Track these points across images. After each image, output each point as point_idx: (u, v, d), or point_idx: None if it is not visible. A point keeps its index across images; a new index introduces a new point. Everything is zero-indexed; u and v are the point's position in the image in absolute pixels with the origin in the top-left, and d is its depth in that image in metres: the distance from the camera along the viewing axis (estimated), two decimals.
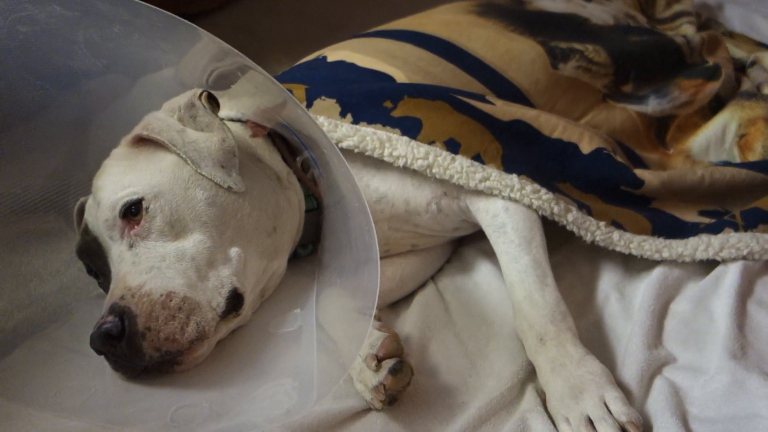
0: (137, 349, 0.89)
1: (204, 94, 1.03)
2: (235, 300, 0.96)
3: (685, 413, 0.92)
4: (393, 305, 1.18)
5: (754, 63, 1.62)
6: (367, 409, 0.95)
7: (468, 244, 1.28)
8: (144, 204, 0.95)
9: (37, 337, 1.05)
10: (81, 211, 1.06)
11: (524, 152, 1.17)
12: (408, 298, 1.19)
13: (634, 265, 1.18)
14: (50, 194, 1.16)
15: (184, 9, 2.07)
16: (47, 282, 1.12)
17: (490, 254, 1.19)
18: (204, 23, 0.86)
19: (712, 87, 1.47)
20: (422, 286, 1.21)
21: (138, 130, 1.02)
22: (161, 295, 0.90)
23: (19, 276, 1.10)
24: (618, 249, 1.14)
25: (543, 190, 1.12)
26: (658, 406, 0.93)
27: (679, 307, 1.09)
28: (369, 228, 0.85)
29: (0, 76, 1.01)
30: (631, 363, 0.99)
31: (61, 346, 1.03)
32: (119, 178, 0.99)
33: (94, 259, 1.01)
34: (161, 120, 1.02)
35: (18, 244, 1.12)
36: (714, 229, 1.17)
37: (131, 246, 0.95)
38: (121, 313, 0.89)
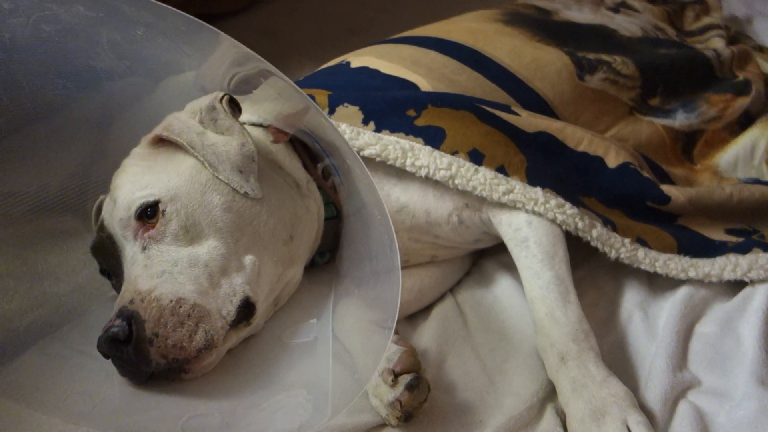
0: (144, 355, 0.87)
1: (225, 97, 1.02)
2: (246, 309, 0.94)
3: None
4: (410, 317, 1.16)
5: None
6: (382, 425, 0.93)
7: (488, 256, 1.25)
8: (161, 207, 0.94)
9: (49, 339, 1.04)
10: (99, 208, 1.05)
11: (549, 165, 1.15)
12: (426, 310, 1.17)
13: (658, 283, 1.15)
14: (68, 194, 1.15)
15: (205, 10, 2.07)
16: (62, 281, 1.12)
17: (510, 267, 1.17)
18: (225, 25, 0.85)
19: (742, 102, 1.45)
20: (441, 298, 1.19)
21: (158, 130, 1.01)
22: (171, 301, 0.89)
23: (35, 274, 1.10)
24: (643, 267, 1.11)
25: (567, 205, 1.09)
26: (682, 431, 0.90)
27: (705, 328, 1.06)
28: (391, 241, 0.83)
29: (23, 74, 1.00)
30: (654, 385, 0.96)
31: (72, 348, 1.02)
32: (137, 178, 0.98)
33: (108, 258, 1.00)
34: (182, 121, 1.01)
35: (35, 242, 1.12)
36: (742, 249, 1.14)
37: (144, 248, 0.94)
38: (129, 317, 0.88)
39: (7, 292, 1.06)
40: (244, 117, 1.09)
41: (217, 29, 0.85)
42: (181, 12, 0.83)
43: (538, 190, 1.09)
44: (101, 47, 0.98)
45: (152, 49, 0.96)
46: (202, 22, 0.83)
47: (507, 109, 1.19)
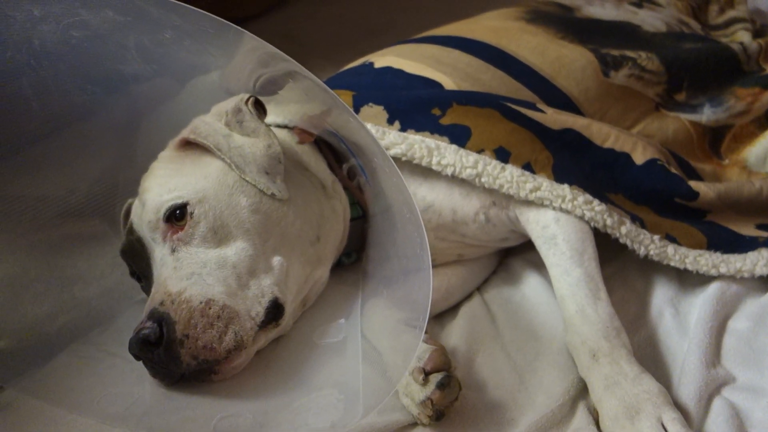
0: (175, 356, 0.88)
1: (250, 99, 1.02)
2: (275, 310, 0.95)
3: None
4: (438, 317, 1.16)
5: None
6: (414, 424, 0.92)
7: (515, 254, 1.25)
8: (189, 209, 0.95)
9: (80, 342, 1.05)
10: (128, 212, 1.06)
11: (575, 162, 1.14)
12: (453, 309, 1.17)
13: (688, 279, 1.14)
14: (96, 198, 1.16)
15: (225, 15, 2.08)
16: (91, 285, 1.13)
17: (538, 265, 1.16)
18: (245, 29, 0.86)
19: None
20: (468, 297, 1.19)
21: (185, 133, 1.02)
22: (201, 303, 0.90)
23: (64, 279, 1.11)
24: (673, 264, 1.10)
25: (595, 201, 1.09)
26: (717, 428, 0.89)
27: (738, 324, 1.05)
28: (421, 239, 0.83)
29: (52, 79, 1.01)
30: (688, 382, 0.95)
31: (104, 351, 1.03)
32: (165, 181, 0.99)
33: (137, 261, 1.01)
34: (208, 124, 1.02)
35: (63, 247, 1.13)
36: None
37: (173, 250, 0.95)
38: (160, 319, 0.89)
39: (37, 297, 1.07)
40: (270, 119, 1.10)
41: (242, 29, 0.85)
42: (208, 13, 0.84)
43: (566, 187, 1.08)
44: (129, 51, 0.99)
45: (179, 52, 0.97)
46: (228, 22, 0.84)
47: (532, 106, 1.18)
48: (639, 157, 1.19)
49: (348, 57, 1.42)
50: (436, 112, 1.12)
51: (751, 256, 1.11)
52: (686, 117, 1.39)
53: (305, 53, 2.09)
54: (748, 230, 1.18)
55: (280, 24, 2.36)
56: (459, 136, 1.10)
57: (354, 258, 1.16)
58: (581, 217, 1.08)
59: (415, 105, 1.13)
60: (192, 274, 0.93)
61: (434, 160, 1.08)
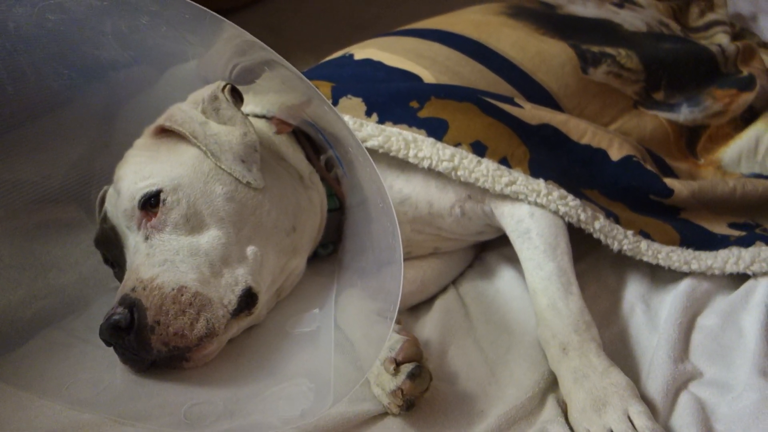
0: (145, 342, 0.88)
1: (227, 87, 1.02)
2: (248, 298, 0.95)
3: (712, 430, 0.89)
4: (413, 309, 1.16)
5: None
6: (384, 414, 0.93)
7: (491, 249, 1.25)
8: (163, 196, 0.94)
9: (53, 328, 1.05)
10: (103, 199, 1.06)
11: (552, 157, 1.15)
12: (428, 302, 1.17)
13: (660, 276, 1.15)
14: (72, 184, 1.16)
15: (210, 6, 2.07)
16: (66, 272, 1.12)
17: (513, 260, 1.17)
18: (230, 20, 0.86)
19: (746, 97, 1.44)
20: (443, 290, 1.19)
21: (161, 120, 1.02)
22: (173, 289, 0.89)
23: (39, 266, 1.10)
24: (645, 259, 1.11)
25: (570, 197, 1.09)
26: (683, 422, 0.90)
27: (707, 321, 1.06)
28: (393, 229, 0.83)
29: (28, 64, 1.01)
30: (656, 376, 0.96)
31: (76, 337, 1.02)
32: (140, 168, 0.98)
33: (111, 249, 1.00)
34: (184, 111, 1.01)
35: (38, 233, 1.13)
36: (745, 242, 1.14)
37: (147, 237, 0.95)
38: (131, 304, 0.89)
39: (11, 283, 1.06)
40: (248, 108, 1.10)
41: (221, 17, 0.85)
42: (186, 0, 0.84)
43: (541, 181, 1.09)
44: (106, 37, 0.98)
45: (156, 39, 0.96)
46: (205, 9, 0.84)
47: (510, 101, 1.19)
48: (615, 154, 1.20)
49: (332, 51, 1.42)
50: (414, 105, 1.13)
51: (722, 253, 1.12)
52: (664, 116, 1.40)
53: (289, 47, 2.08)
54: (720, 228, 1.20)
55: (264, 17, 2.34)
56: (436, 130, 1.11)
57: (330, 249, 1.16)
58: (555, 212, 1.09)
59: (394, 97, 1.13)
60: (165, 261, 0.92)
61: (411, 153, 1.09)
